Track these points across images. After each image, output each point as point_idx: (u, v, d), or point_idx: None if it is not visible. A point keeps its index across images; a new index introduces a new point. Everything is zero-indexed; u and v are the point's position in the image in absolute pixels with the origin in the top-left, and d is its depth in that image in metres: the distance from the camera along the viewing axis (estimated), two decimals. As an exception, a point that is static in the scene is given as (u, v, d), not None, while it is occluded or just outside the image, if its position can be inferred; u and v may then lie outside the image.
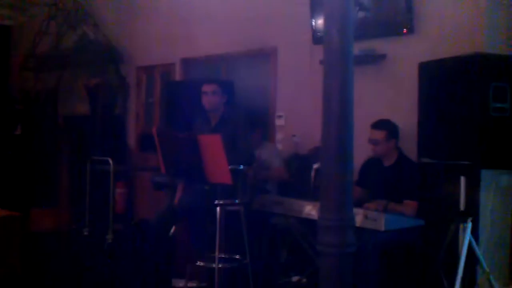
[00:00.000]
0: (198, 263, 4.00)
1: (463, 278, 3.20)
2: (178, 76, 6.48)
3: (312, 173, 4.06)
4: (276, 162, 4.83)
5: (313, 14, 4.97)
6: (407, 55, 4.44)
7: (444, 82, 3.41)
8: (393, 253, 3.65)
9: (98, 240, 5.69)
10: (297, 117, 5.31)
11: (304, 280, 4.17)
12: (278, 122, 5.52)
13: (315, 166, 3.97)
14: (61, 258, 5.31)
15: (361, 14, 4.51)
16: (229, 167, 3.69)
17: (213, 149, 3.68)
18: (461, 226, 3.35)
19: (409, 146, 3.96)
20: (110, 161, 5.87)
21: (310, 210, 3.66)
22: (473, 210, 3.69)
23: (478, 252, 3.36)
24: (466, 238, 3.27)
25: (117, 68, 7.02)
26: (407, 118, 4.01)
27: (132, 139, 7.02)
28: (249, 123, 4.44)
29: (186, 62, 6.44)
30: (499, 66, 3.22)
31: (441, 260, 3.42)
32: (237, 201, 4.02)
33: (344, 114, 2.43)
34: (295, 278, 4.26)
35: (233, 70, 5.99)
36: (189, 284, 4.26)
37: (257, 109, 5.41)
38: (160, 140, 3.93)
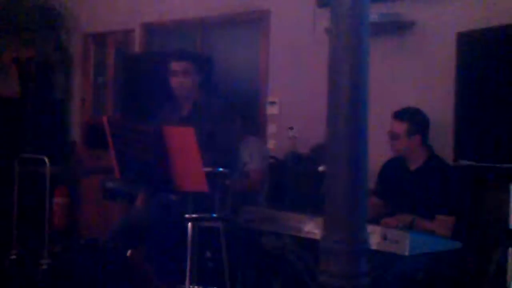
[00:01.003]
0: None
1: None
2: (138, 47, 6.47)
3: (316, 179, 4.07)
4: (254, 163, 4.82)
5: (318, -33, 4.98)
6: (442, 22, 4.46)
7: (490, 59, 3.43)
8: (420, 284, 3.67)
9: (29, 266, 5.67)
10: (295, 104, 5.32)
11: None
12: (270, 110, 5.53)
13: (320, 169, 3.98)
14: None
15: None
16: (205, 170, 3.69)
17: (184, 146, 3.68)
18: (510, 250, 3.37)
19: (443, 144, 3.98)
20: (46, 161, 5.85)
21: (312, 228, 3.67)
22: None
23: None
24: (517, 265, 3.30)
25: (57, 36, 7.00)
26: (440, 106, 4.04)
27: (76, 132, 7.00)
28: (232, 111, 4.45)
29: (149, 29, 6.43)
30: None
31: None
32: (215, 215, 4.02)
33: (356, 101, 2.42)
34: (291, 318, 4.28)
35: (211, 41, 5.99)
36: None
37: (243, 93, 5.42)
38: (114, 133, 3.92)
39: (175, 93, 4.38)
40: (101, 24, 6.76)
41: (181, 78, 4.32)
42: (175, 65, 4.34)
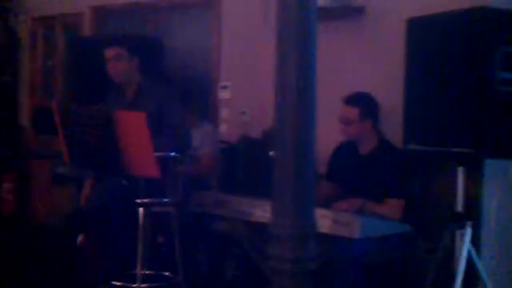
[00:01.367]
0: (114, 283, 3.97)
1: (459, 300, 3.28)
2: (87, 30, 6.39)
3: (267, 163, 4.06)
4: (205, 147, 4.81)
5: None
6: (391, 8, 4.48)
7: (438, 44, 3.45)
8: (371, 267, 3.71)
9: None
10: (247, 89, 5.32)
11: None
12: (222, 94, 5.52)
13: (271, 153, 3.97)
14: None
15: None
16: (156, 155, 3.67)
17: (134, 130, 3.65)
18: (458, 232, 3.42)
19: (393, 128, 4.01)
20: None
21: (263, 212, 3.68)
22: (473, 211, 3.78)
23: (480, 265, 3.44)
24: (465, 247, 3.34)
25: (5, 20, 6.87)
26: (390, 91, 4.06)
27: (25, 116, 6.90)
28: (179, 95, 4.42)
29: (99, 12, 6.35)
30: (509, 25, 3.28)
31: (432, 276, 3.49)
32: (166, 200, 4.00)
33: (303, 86, 2.42)
34: (243, 302, 4.29)
35: (163, 24, 5.94)
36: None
37: (195, 77, 5.39)
38: (63, 117, 3.88)
39: (112, 79, 4.35)
40: (49, 7, 6.65)
41: (113, 64, 4.30)
42: (107, 52, 4.33)
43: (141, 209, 3.88)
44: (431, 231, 3.71)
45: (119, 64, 4.31)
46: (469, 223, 3.39)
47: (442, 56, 3.41)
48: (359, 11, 4.66)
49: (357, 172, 4.08)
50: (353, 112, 4.04)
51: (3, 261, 5.45)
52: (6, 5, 6.88)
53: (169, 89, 4.40)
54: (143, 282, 3.81)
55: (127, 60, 4.33)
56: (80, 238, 4.50)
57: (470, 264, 3.36)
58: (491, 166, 3.98)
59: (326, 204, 3.86)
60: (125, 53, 4.32)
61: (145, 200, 3.91)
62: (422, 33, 3.60)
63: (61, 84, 6.56)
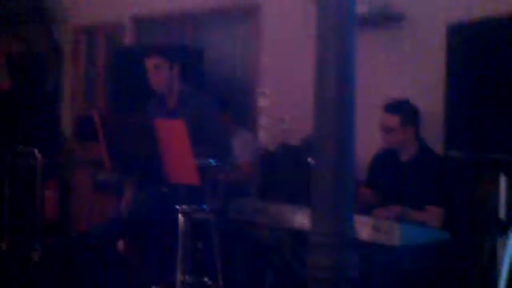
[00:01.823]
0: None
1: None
2: (128, 39, 6.45)
3: (306, 170, 4.05)
4: (244, 155, 4.82)
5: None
6: (431, 15, 4.45)
7: (480, 50, 3.42)
8: (410, 275, 3.67)
9: (20, 259, 5.65)
10: (286, 96, 5.31)
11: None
12: (261, 102, 5.52)
13: (310, 161, 3.96)
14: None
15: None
16: (197, 162, 3.69)
17: (174, 138, 3.68)
18: (499, 240, 3.37)
19: (433, 135, 3.98)
20: (37, 153, 5.83)
21: (303, 219, 3.67)
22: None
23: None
24: (507, 256, 3.30)
25: (48, 30, 6.96)
26: (431, 98, 4.03)
27: (67, 125, 6.98)
28: (221, 103, 4.44)
29: (139, 21, 6.40)
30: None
31: (473, 285, 3.45)
32: (206, 207, 4.01)
33: (343, 94, 2.42)
34: (282, 309, 4.28)
35: (202, 34, 5.97)
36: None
37: (234, 85, 5.40)
38: (104, 125, 3.92)
39: (153, 89, 4.38)
40: (91, 17, 6.73)
41: (153, 74, 4.33)
42: (147, 62, 4.35)
43: (181, 216, 3.89)
44: (472, 239, 3.67)
45: (159, 73, 4.33)
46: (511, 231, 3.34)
47: (484, 62, 3.37)
48: (398, 18, 4.63)
49: (397, 179, 4.04)
50: (394, 120, 4.01)
51: (46, 267, 5.52)
52: (49, 14, 6.97)
53: (210, 97, 4.42)
54: (183, 289, 3.83)
55: (167, 69, 4.35)
56: (121, 245, 4.54)
57: (513, 272, 3.31)
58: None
59: (366, 211, 3.84)
60: (165, 63, 4.34)
61: (185, 207, 3.93)
62: (463, 38, 3.57)
63: (102, 92, 6.63)
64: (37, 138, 6.33)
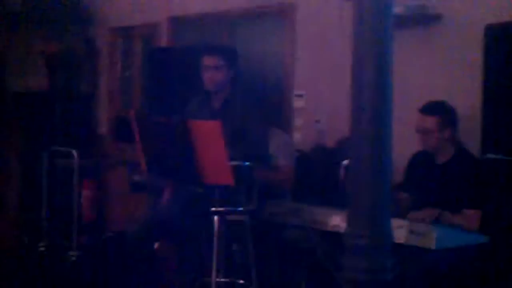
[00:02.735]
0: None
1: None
2: (164, 40, 6.49)
3: (341, 172, 4.06)
4: (283, 158, 4.80)
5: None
6: (469, 15, 4.41)
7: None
8: (447, 279, 3.65)
9: (58, 258, 5.72)
10: (322, 97, 5.31)
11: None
12: (297, 103, 5.52)
13: (345, 162, 3.97)
14: (8, 282, 5.34)
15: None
16: (231, 163, 3.70)
17: (210, 139, 3.69)
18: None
19: (470, 137, 3.95)
20: (75, 153, 5.90)
21: (338, 221, 3.66)
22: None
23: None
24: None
25: (84, 30, 7.03)
26: (468, 99, 4.00)
27: (103, 125, 7.04)
28: (261, 106, 4.45)
29: (175, 22, 6.44)
30: None
31: (511, 288, 3.42)
32: (241, 208, 4.03)
33: (380, 95, 2.41)
34: (317, 311, 4.28)
35: (237, 34, 5.99)
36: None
37: (269, 86, 5.41)
38: (140, 126, 3.95)
39: (207, 87, 4.38)
40: (128, 18, 6.78)
41: (212, 73, 4.33)
42: (207, 60, 4.35)
43: (216, 217, 3.91)
44: (509, 242, 3.63)
45: (218, 73, 4.34)
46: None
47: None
48: (435, 18, 4.60)
49: (433, 182, 4.02)
50: (431, 122, 3.97)
51: (83, 267, 5.58)
52: (85, 16, 7.03)
53: (252, 99, 4.43)
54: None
55: (225, 70, 4.36)
56: (156, 246, 4.57)
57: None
58: None
59: (402, 214, 3.82)
60: (224, 63, 4.35)
61: (220, 209, 3.94)
62: (501, 39, 3.54)
63: (139, 93, 6.68)
64: (74, 139, 6.40)
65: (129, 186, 5.34)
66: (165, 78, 5.58)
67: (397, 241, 3.17)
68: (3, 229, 6.38)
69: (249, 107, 4.35)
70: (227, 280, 4.06)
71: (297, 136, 5.45)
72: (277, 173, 4.71)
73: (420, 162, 4.16)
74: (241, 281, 4.10)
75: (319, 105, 5.33)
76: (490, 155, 3.53)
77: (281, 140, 4.91)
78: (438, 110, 4.00)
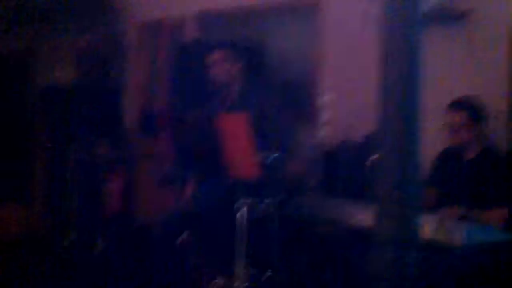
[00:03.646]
0: (217, 280, 4.03)
1: None
2: (192, 35, 6.50)
3: (369, 167, 4.04)
4: (303, 150, 4.79)
5: (373, -47, 4.94)
6: (499, 12, 4.38)
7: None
8: (473, 276, 3.64)
9: (85, 249, 5.77)
10: (350, 92, 5.29)
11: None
12: (324, 98, 5.51)
13: (373, 157, 3.95)
14: (36, 273, 5.39)
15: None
16: (257, 156, 3.71)
17: (236, 132, 3.71)
18: None
19: (498, 134, 3.92)
20: (102, 146, 5.93)
21: (364, 215, 3.67)
22: None
23: None
24: None
25: (113, 24, 7.07)
26: (494, 95, 3.97)
27: (130, 118, 7.08)
28: (281, 98, 4.45)
29: (203, 16, 6.45)
30: None
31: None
32: (267, 201, 4.04)
33: (408, 90, 2.41)
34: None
35: (264, 29, 5.99)
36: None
37: (297, 81, 5.40)
38: (168, 120, 3.97)
39: (213, 82, 4.41)
40: (156, 12, 6.80)
41: (214, 69, 4.35)
42: (208, 57, 4.38)
43: (242, 210, 3.92)
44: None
45: (219, 68, 4.35)
46: None
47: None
48: (463, 15, 4.58)
49: (461, 178, 4.00)
50: (460, 117, 3.95)
51: (109, 259, 5.62)
52: (114, 10, 7.07)
53: (270, 92, 4.43)
54: (244, 281, 3.86)
55: (228, 64, 4.37)
56: (183, 237, 4.60)
57: None
58: None
59: (429, 210, 3.81)
60: (229, 56, 4.36)
61: (246, 201, 3.95)
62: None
63: (166, 87, 6.70)
64: (102, 131, 6.44)
65: (156, 179, 5.37)
66: (192, 72, 5.59)
67: (424, 237, 3.17)
68: (30, 219, 6.43)
69: (267, 100, 4.34)
70: (253, 271, 4.07)
71: (325, 130, 5.44)
72: (294, 165, 4.70)
73: (448, 158, 4.15)
74: (268, 272, 4.10)
75: (347, 101, 5.32)
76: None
77: (303, 134, 4.91)
78: (466, 106, 3.98)
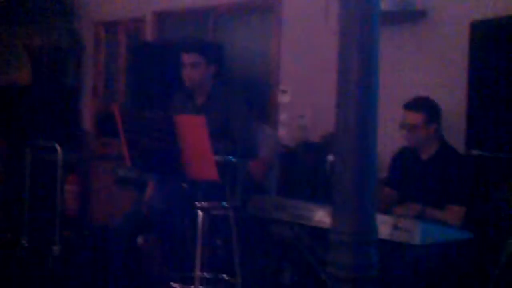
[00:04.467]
0: (173, 284, 4.01)
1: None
2: (150, 35, 6.47)
3: (326, 168, 4.05)
4: (264, 150, 4.80)
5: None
6: (455, 11, 4.43)
7: (503, 48, 3.40)
8: (431, 275, 3.66)
9: (40, 253, 5.69)
10: (307, 93, 5.31)
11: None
12: (282, 99, 5.52)
13: (330, 158, 3.96)
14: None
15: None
16: (216, 158, 3.69)
17: (195, 134, 3.68)
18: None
19: (455, 133, 3.96)
20: (58, 148, 5.86)
21: (322, 217, 3.67)
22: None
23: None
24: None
25: (69, 24, 7.00)
26: (452, 96, 4.01)
27: (87, 120, 7.02)
28: (246, 100, 4.44)
29: (160, 17, 6.42)
30: None
31: (494, 284, 3.43)
32: (225, 203, 4.02)
33: (366, 91, 2.42)
34: (301, 306, 4.28)
35: (222, 29, 5.98)
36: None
37: (254, 81, 5.40)
38: (124, 121, 3.93)
39: (186, 84, 4.38)
40: (112, 12, 6.76)
41: (189, 71, 4.31)
42: (184, 57, 4.33)
43: (200, 212, 3.90)
44: (492, 238, 3.65)
45: (195, 71, 4.31)
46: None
47: (508, 59, 3.36)
48: (421, 14, 4.62)
49: (418, 178, 4.03)
50: (416, 117, 3.98)
51: (66, 261, 5.56)
52: (69, 9, 7.00)
53: (238, 94, 4.42)
54: (201, 284, 3.84)
55: (204, 67, 4.34)
56: (140, 240, 4.56)
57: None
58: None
59: (386, 209, 3.83)
60: (202, 61, 4.33)
61: (205, 204, 3.93)
62: (486, 36, 3.55)
63: (123, 87, 6.66)
64: (58, 133, 6.37)
65: (113, 180, 5.32)
66: (149, 73, 5.56)
67: (381, 236, 3.18)
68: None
69: (233, 102, 4.34)
70: (211, 275, 4.06)
71: (282, 131, 5.45)
72: (253, 163, 4.70)
73: (405, 157, 4.18)
74: (225, 276, 4.09)
75: (304, 101, 5.34)
76: (475, 151, 3.55)
77: (264, 133, 4.92)
78: (423, 106, 4.01)
